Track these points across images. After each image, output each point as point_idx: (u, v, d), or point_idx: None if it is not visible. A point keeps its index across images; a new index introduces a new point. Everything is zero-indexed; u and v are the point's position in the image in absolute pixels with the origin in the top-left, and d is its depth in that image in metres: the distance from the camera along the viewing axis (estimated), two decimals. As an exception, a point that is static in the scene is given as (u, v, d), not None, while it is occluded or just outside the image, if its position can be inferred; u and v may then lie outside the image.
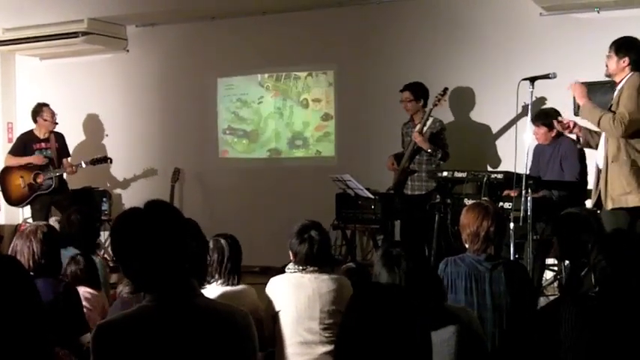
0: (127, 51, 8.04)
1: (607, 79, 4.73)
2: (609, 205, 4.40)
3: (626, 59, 4.45)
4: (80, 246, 4.03)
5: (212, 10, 7.35)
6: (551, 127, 5.39)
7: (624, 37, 4.56)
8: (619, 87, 4.51)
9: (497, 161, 6.47)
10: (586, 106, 4.56)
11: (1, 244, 7.63)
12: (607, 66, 4.56)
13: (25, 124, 7.85)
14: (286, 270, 3.37)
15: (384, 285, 2.07)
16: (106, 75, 8.12)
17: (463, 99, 6.57)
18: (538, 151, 5.54)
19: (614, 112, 4.38)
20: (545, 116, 5.42)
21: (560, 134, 5.42)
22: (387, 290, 1.74)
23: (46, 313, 2.08)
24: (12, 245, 3.23)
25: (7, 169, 7.12)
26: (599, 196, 4.51)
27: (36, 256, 3.14)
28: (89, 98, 8.15)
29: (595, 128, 4.65)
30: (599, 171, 4.54)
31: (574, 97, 4.69)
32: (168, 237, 1.93)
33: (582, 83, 4.65)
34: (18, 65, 8.50)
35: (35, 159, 6.94)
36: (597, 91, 5.17)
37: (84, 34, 7.39)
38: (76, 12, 7.28)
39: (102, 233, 6.64)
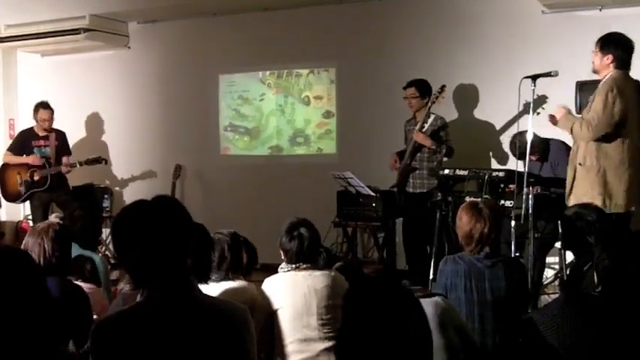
0: (129, 48, 8.03)
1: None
2: (570, 202, 4.42)
3: (610, 56, 4.42)
4: (82, 242, 4.03)
5: (213, 6, 7.35)
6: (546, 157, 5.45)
7: (610, 34, 4.52)
8: (600, 85, 4.49)
9: (498, 159, 6.47)
10: (562, 119, 4.58)
11: (2, 240, 7.65)
12: (593, 62, 4.54)
13: (26, 120, 7.86)
14: (279, 269, 3.37)
15: (378, 278, 2.08)
16: (108, 72, 8.12)
17: (465, 97, 6.56)
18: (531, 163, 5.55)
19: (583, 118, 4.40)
20: (535, 146, 5.34)
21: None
22: (382, 282, 1.73)
23: (56, 311, 2.08)
24: (24, 242, 3.22)
25: (6, 166, 7.12)
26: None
27: (47, 254, 3.12)
28: (90, 95, 8.15)
29: None
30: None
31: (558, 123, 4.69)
32: (170, 232, 1.93)
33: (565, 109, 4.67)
34: (19, 62, 8.49)
35: (32, 159, 6.92)
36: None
37: (85, 30, 7.39)
38: (78, 8, 7.28)
39: (103, 230, 6.63)
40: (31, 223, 7.35)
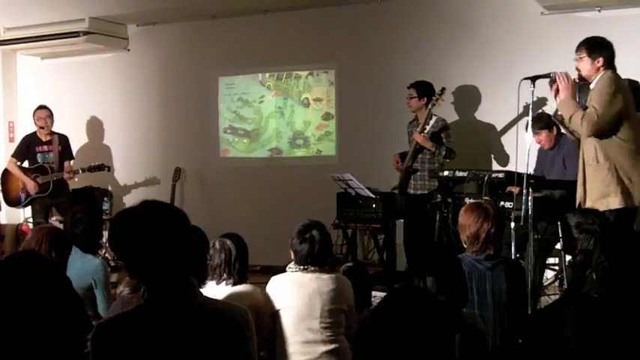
0: (128, 50, 8.04)
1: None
2: (587, 205, 4.35)
3: (600, 59, 4.39)
4: (83, 246, 4.02)
5: (213, 9, 7.35)
6: (550, 128, 5.40)
7: (592, 38, 4.48)
8: (592, 87, 4.45)
9: (498, 160, 6.47)
10: (565, 101, 4.46)
11: (2, 243, 7.64)
12: (578, 69, 4.48)
13: (26, 123, 7.86)
14: (287, 269, 3.37)
15: (412, 290, 2.06)
16: (107, 74, 8.12)
17: (464, 98, 6.56)
18: (542, 154, 5.54)
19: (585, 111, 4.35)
20: (540, 120, 5.40)
21: (561, 135, 5.43)
22: (415, 296, 1.72)
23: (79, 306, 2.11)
24: (24, 244, 3.28)
25: (8, 171, 7.11)
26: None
27: (45, 252, 3.20)
28: (90, 97, 8.16)
29: None
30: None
31: (556, 89, 4.49)
32: (162, 237, 1.93)
33: (575, 81, 4.53)
34: (19, 64, 8.49)
35: (30, 187, 6.86)
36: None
37: (85, 33, 7.40)
38: (77, 11, 7.28)
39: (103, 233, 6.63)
40: (31, 226, 7.34)
